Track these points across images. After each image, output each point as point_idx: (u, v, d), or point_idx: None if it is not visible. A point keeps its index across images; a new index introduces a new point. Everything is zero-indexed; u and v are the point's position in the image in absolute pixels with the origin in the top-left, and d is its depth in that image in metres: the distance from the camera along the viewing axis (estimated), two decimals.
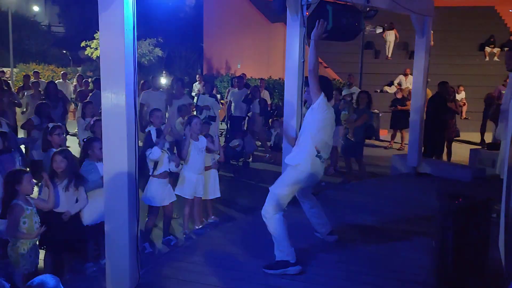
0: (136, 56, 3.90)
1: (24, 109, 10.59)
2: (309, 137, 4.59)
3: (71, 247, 4.93)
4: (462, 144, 13.28)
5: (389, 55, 20.23)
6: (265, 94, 13.44)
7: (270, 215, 4.58)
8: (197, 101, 11.98)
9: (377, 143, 13.90)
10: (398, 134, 13.24)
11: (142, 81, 12.80)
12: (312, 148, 4.57)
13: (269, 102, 13.72)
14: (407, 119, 11.67)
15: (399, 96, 13.32)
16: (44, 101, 7.91)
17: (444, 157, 10.57)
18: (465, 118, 16.73)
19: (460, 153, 11.44)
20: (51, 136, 5.89)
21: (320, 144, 4.59)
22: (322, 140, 4.60)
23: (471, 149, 10.09)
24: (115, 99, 3.84)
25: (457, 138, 11.33)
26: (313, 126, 4.59)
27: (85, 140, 5.49)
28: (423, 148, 9.18)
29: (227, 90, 13.99)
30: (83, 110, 7.77)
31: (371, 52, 20.41)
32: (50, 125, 6.06)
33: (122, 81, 3.82)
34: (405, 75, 17.03)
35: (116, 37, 3.76)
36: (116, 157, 3.92)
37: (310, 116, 4.62)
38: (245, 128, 11.35)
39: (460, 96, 16.65)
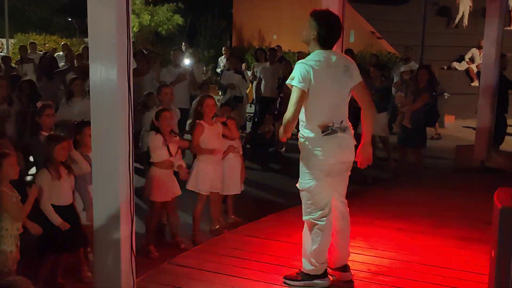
0: (131, 20, 3.93)
1: None
2: (304, 117, 4.31)
3: (70, 248, 5.08)
4: None
5: (465, 23, 19.64)
6: None
7: (311, 222, 4.42)
8: (220, 78, 12.06)
9: (441, 131, 13.64)
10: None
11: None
12: (313, 128, 4.27)
13: None
14: None
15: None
16: (27, 79, 8.07)
17: None
18: None
19: None
20: (39, 117, 6.00)
21: (321, 119, 4.25)
22: (321, 112, 4.26)
23: None
24: (105, 72, 3.88)
25: None
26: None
27: (75, 123, 5.54)
28: None
29: (253, 65, 13.97)
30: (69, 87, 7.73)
31: (439, 20, 19.95)
32: (39, 103, 6.19)
33: (113, 51, 3.86)
34: (479, 48, 16.60)
35: None
36: (106, 142, 3.98)
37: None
38: (277, 111, 11.31)
39: None
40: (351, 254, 4.81)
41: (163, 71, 9.85)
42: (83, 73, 10.37)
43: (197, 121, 6.26)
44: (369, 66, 10.82)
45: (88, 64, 3.98)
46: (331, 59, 4.31)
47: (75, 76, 8.31)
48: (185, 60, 12.80)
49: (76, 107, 7.20)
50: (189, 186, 6.30)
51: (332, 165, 4.35)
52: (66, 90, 7.53)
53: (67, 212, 4.97)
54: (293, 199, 7.60)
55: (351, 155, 4.47)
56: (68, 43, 19.46)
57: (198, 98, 6.44)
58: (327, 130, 4.23)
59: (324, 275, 4.53)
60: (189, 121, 8.08)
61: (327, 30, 4.30)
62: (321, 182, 4.37)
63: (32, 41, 17.74)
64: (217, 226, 6.56)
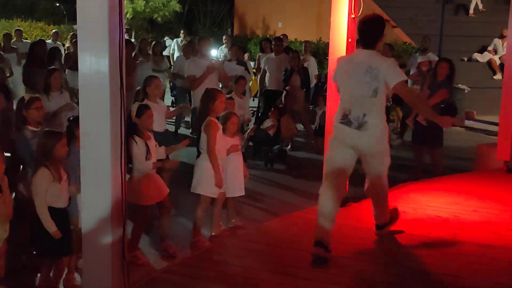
0: (124, 5, 3.91)
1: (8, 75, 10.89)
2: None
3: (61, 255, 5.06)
4: None
5: (480, 7, 19.50)
6: (311, 62, 13.33)
7: None
8: None
9: (460, 129, 13.64)
10: None
11: (153, 42, 12.96)
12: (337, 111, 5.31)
13: (316, 72, 13.60)
14: None
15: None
16: None
17: None
18: None
19: None
20: (27, 110, 5.99)
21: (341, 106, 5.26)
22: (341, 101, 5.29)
23: None
24: (95, 64, 3.88)
25: None
26: None
27: (71, 118, 5.56)
28: None
29: (257, 56, 13.97)
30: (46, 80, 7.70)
31: (459, 8, 19.89)
32: (26, 96, 6.17)
33: (105, 40, 3.84)
34: (502, 37, 16.55)
35: None
36: (96, 139, 3.98)
37: None
38: (283, 106, 11.29)
39: None
40: (360, 265, 4.93)
41: (188, 63, 9.77)
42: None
43: (211, 118, 6.19)
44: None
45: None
46: (356, 58, 5.29)
47: (53, 67, 8.25)
48: (212, 51, 12.56)
49: (53, 103, 7.17)
50: (199, 190, 6.20)
51: None
52: (44, 83, 7.45)
53: (63, 215, 4.95)
54: (300, 202, 7.66)
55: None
56: (56, 30, 19.45)
57: (209, 92, 6.39)
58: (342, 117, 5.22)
59: None
60: None
61: (358, 34, 5.38)
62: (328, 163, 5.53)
63: (17, 28, 17.71)
64: (213, 233, 6.50)
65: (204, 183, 6.16)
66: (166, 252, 6.00)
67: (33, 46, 10.83)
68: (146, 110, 5.91)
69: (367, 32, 5.20)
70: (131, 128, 5.75)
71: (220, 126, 6.28)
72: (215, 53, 12.28)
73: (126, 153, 4.10)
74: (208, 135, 6.10)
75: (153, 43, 12.67)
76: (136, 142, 5.74)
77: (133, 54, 11.11)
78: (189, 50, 11.95)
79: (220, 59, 15.47)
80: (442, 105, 8.41)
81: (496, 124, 12.52)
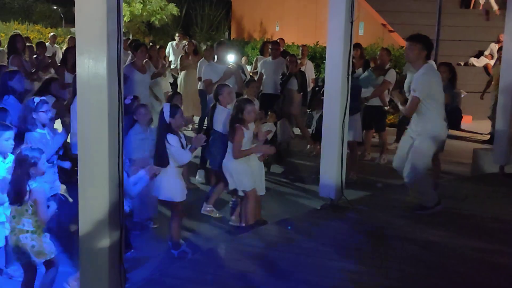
0: (122, 9, 3.92)
1: None
2: None
3: None
4: None
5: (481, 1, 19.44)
6: (308, 66, 13.34)
7: None
8: None
9: (456, 133, 13.63)
10: None
11: (151, 45, 12.96)
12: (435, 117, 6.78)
13: (313, 76, 13.61)
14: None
15: None
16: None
17: None
18: None
19: None
20: (36, 113, 6.04)
21: (439, 111, 6.82)
22: (439, 107, 6.83)
23: None
24: (93, 66, 3.88)
25: None
26: None
27: None
28: None
29: (255, 59, 13.97)
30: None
31: (457, 12, 19.90)
32: (36, 99, 6.20)
33: (103, 43, 3.85)
34: (499, 42, 16.58)
35: None
36: (94, 142, 3.98)
37: None
38: (280, 110, 11.29)
39: None
40: (358, 268, 4.96)
41: (205, 67, 9.79)
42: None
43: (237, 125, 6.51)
44: (380, 61, 10.75)
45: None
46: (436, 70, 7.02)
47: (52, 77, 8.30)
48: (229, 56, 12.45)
49: None
50: (247, 186, 6.55)
51: None
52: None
53: None
54: (297, 206, 7.66)
55: None
56: (54, 33, 19.45)
57: (237, 103, 6.68)
58: None
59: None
60: None
61: (427, 48, 6.77)
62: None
63: (16, 30, 17.71)
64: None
65: (251, 181, 6.56)
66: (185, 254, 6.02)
67: (66, 52, 10.89)
68: (178, 109, 6.13)
69: (430, 47, 6.86)
70: (165, 127, 6.00)
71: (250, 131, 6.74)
72: (233, 58, 12.19)
73: (122, 153, 4.10)
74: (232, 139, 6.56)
75: (158, 47, 12.69)
76: (169, 141, 5.90)
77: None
78: (209, 55, 11.94)
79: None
80: (447, 109, 8.42)
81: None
